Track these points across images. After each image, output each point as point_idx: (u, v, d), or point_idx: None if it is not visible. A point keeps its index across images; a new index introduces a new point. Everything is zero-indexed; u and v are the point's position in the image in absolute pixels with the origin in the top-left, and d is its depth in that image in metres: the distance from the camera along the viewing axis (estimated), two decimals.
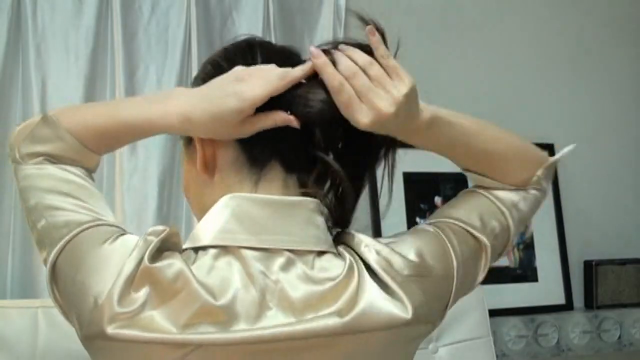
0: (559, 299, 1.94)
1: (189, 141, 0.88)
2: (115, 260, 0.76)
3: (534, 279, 1.93)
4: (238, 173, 0.83)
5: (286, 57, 0.86)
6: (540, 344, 1.88)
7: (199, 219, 0.83)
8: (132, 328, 0.72)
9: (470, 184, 0.97)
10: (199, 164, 0.84)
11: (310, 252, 0.80)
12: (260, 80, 0.78)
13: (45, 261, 0.81)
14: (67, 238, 0.79)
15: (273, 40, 1.65)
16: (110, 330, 0.72)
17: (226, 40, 1.63)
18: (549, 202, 1.97)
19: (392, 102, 0.78)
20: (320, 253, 0.81)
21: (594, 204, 2.06)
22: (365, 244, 0.81)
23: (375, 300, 0.77)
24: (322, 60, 0.80)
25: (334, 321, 0.75)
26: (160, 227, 0.79)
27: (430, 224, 0.90)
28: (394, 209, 1.81)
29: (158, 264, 0.75)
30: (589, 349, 1.94)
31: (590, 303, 1.99)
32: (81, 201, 0.82)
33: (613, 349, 1.97)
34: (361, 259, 0.80)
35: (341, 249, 0.82)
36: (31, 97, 1.49)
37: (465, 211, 0.91)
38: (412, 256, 0.82)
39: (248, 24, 1.66)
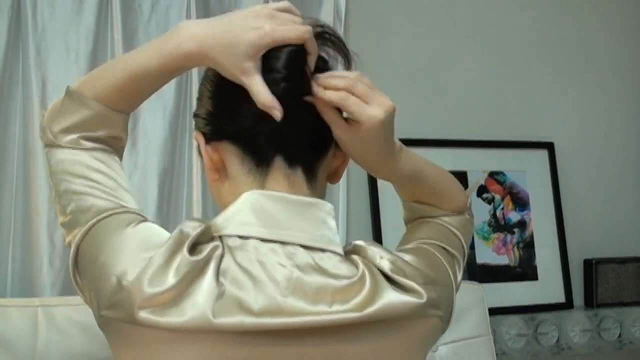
0: (559, 297, 1.94)
1: (199, 150, 0.91)
2: (139, 242, 0.80)
3: (534, 277, 1.93)
4: (247, 176, 0.86)
5: None
6: (540, 342, 1.88)
7: None
8: (164, 315, 0.74)
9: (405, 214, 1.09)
10: (207, 170, 0.89)
11: (323, 250, 0.83)
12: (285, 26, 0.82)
13: (70, 243, 0.85)
14: (92, 221, 0.83)
15: None
16: (143, 314, 0.74)
17: None
18: (548, 201, 1.98)
19: (388, 102, 0.86)
20: (332, 253, 0.83)
21: (593, 203, 2.06)
22: (380, 255, 0.85)
23: (393, 298, 0.81)
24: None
25: (354, 315, 0.78)
26: (196, 222, 0.80)
27: (414, 243, 0.96)
28: (394, 210, 1.80)
29: (195, 257, 0.76)
30: (589, 347, 1.94)
31: (590, 301, 1.99)
32: (108, 189, 0.87)
33: (613, 347, 1.98)
34: (376, 268, 0.83)
35: (354, 257, 0.85)
36: (31, 97, 1.49)
37: (433, 234, 0.98)
38: (419, 266, 0.87)
39: None
